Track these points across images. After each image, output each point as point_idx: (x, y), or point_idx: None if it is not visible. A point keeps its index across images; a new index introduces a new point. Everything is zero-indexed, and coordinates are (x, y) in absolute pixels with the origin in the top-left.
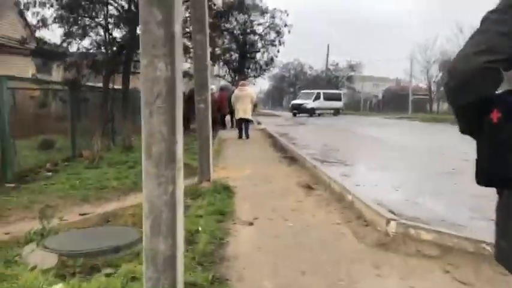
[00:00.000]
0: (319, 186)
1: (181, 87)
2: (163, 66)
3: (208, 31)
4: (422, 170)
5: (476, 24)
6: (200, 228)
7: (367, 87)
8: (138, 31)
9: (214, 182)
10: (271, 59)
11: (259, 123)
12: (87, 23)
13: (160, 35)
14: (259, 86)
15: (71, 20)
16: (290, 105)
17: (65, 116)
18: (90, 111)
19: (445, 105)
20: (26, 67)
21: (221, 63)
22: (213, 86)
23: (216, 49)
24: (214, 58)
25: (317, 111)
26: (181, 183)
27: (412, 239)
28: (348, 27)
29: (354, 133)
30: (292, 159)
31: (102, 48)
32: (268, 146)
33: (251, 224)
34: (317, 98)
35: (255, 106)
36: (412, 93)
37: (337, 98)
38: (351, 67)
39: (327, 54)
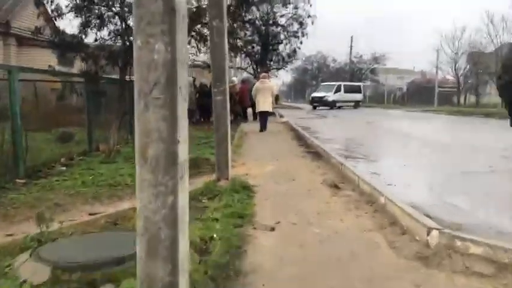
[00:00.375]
0: (347, 185)
1: (185, 74)
2: (162, 47)
3: (226, 18)
4: (457, 168)
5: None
6: (215, 235)
7: (391, 79)
8: None
9: (233, 179)
10: (294, 51)
11: (281, 116)
12: (103, 12)
13: (157, 8)
14: (281, 78)
15: (85, 9)
16: (310, 98)
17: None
18: (108, 103)
19: (472, 98)
20: (47, 58)
21: (243, 55)
22: (235, 78)
23: (238, 40)
24: (236, 50)
25: (338, 104)
26: (185, 193)
27: (459, 252)
28: (373, 19)
29: (379, 127)
30: (316, 154)
31: (119, 38)
32: (290, 139)
33: (272, 229)
34: (337, 90)
35: (276, 99)
36: (438, 85)
37: (357, 90)
38: (375, 59)
39: (351, 46)
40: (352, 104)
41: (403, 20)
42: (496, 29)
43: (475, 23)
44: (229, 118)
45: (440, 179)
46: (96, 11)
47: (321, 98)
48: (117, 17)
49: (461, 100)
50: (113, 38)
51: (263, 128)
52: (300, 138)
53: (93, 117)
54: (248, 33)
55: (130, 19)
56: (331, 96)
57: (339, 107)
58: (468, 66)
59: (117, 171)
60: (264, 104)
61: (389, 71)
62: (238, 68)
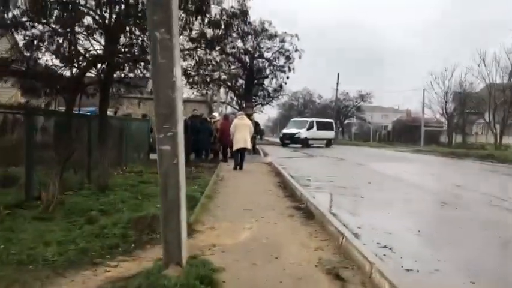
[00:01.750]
0: (353, 272)
1: None
2: None
3: (177, 28)
4: (494, 238)
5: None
6: None
7: (376, 117)
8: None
9: (189, 266)
10: (280, 86)
11: (265, 154)
12: (46, 30)
13: None
14: (267, 113)
15: (28, 25)
16: (281, 135)
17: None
18: (57, 140)
19: (458, 138)
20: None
21: (226, 89)
22: (216, 114)
23: (221, 73)
24: (218, 82)
25: (310, 142)
26: None
27: None
28: (359, 57)
29: (373, 170)
30: (307, 212)
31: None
32: (274, 186)
33: None
34: (310, 127)
35: (261, 134)
36: (423, 124)
37: (329, 127)
38: (361, 97)
39: (337, 83)
40: (325, 142)
41: (388, 59)
42: (488, 68)
43: (465, 62)
44: (181, 176)
45: (482, 259)
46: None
47: (293, 135)
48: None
49: (447, 139)
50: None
51: (239, 166)
52: (286, 186)
53: (34, 156)
54: (232, 66)
55: (79, 40)
56: (303, 133)
57: (310, 145)
58: (453, 106)
59: (43, 235)
60: (244, 141)
61: (374, 109)
62: (222, 102)
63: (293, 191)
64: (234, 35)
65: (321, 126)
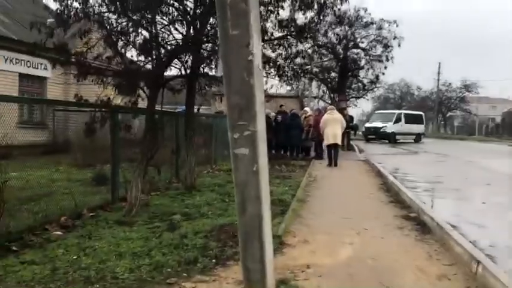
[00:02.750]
0: None
1: None
2: None
3: None
4: None
5: None
6: None
7: (483, 109)
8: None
9: None
10: (377, 77)
11: (361, 151)
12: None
13: None
14: (361, 107)
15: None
16: (363, 129)
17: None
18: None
19: None
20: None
21: (318, 82)
22: (308, 108)
23: (313, 66)
24: (309, 76)
25: (397, 137)
26: None
27: None
28: (460, 46)
29: (487, 168)
30: (419, 223)
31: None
32: (375, 189)
33: None
34: (398, 120)
35: (354, 129)
36: None
37: (419, 120)
38: (466, 87)
39: (438, 73)
40: (413, 137)
41: (493, 46)
42: None
43: None
44: (263, 186)
45: None
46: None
47: (378, 129)
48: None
49: None
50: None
51: (334, 163)
52: (389, 189)
53: (121, 154)
54: (325, 58)
55: (159, 26)
56: (390, 127)
57: (397, 141)
58: None
59: (119, 245)
60: (334, 136)
61: (480, 100)
62: (313, 97)
63: (398, 195)
64: (328, 18)
65: (410, 119)
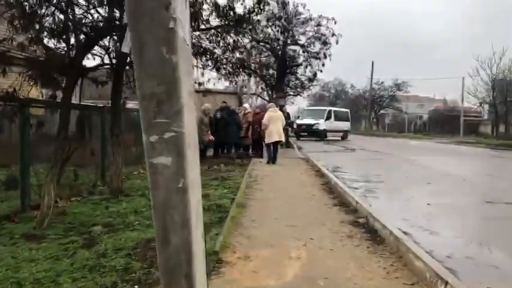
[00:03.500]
0: None
1: None
2: None
3: None
4: None
5: None
6: None
7: (411, 107)
8: None
9: None
10: (315, 75)
11: (299, 148)
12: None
13: None
14: (298, 105)
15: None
16: (295, 126)
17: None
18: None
19: (501, 128)
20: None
21: (257, 79)
22: (247, 105)
23: (251, 62)
24: (248, 71)
25: (328, 134)
26: None
27: None
28: (391, 46)
29: (424, 166)
30: (369, 229)
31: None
32: (318, 189)
33: None
34: (328, 117)
35: (290, 126)
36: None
37: (346, 117)
38: (397, 86)
39: (371, 72)
40: (341, 134)
41: (424, 47)
42: None
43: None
44: (192, 208)
45: None
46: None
47: (310, 126)
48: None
49: (485, 130)
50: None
51: (272, 160)
52: (332, 189)
53: (39, 154)
54: (263, 54)
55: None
56: (322, 124)
57: (326, 138)
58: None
59: (19, 269)
60: (279, 134)
61: (409, 99)
62: (252, 94)
63: (343, 196)
64: (268, 8)
65: (338, 117)
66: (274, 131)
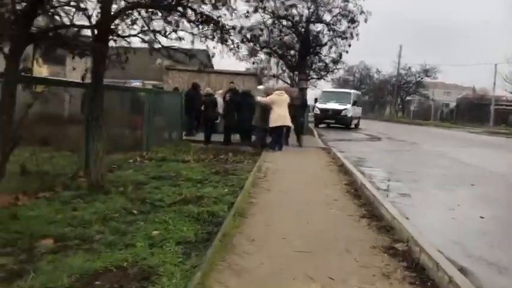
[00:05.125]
0: None
1: None
2: None
3: None
4: None
5: None
6: None
7: (438, 94)
8: None
9: None
10: (340, 55)
11: (320, 135)
12: None
13: None
14: (320, 89)
15: None
16: (316, 111)
17: None
18: None
19: None
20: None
21: (277, 59)
22: (262, 87)
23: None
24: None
25: (353, 122)
26: None
27: None
28: (420, 30)
29: (462, 162)
30: (412, 262)
31: None
32: (340, 192)
33: None
34: (355, 102)
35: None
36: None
37: (360, 102)
38: (425, 71)
39: (399, 56)
40: (355, 121)
41: (457, 32)
42: None
43: None
44: None
45: None
46: None
47: (338, 112)
48: None
49: None
50: None
51: (280, 146)
52: (357, 191)
53: None
54: (284, 33)
55: None
56: (349, 111)
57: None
58: None
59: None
60: (282, 118)
61: (436, 86)
62: (272, 75)
63: (373, 203)
64: None
65: (357, 101)
66: (280, 115)
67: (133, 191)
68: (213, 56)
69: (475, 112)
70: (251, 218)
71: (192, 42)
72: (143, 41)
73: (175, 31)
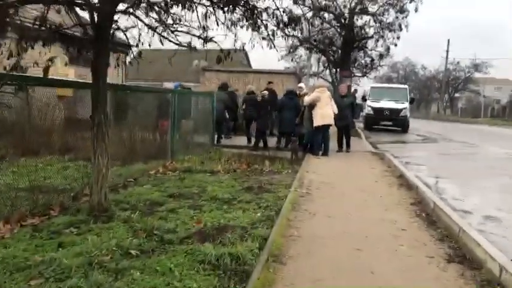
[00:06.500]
0: None
1: None
2: None
3: None
4: None
5: None
6: None
7: (488, 90)
8: None
9: None
10: (388, 49)
11: (367, 138)
12: None
13: None
14: (363, 88)
15: None
16: (368, 110)
17: None
18: None
19: None
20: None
21: (319, 55)
22: (303, 84)
23: (312, 34)
24: (308, 45)
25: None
26: None
27: None
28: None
29: None
30: None
31: None
32: (406, 216)
33: None
34: (412, 99)
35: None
36: None
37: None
38: (475, 66)
39: (447, 51)
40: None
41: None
42: None
43: None
44: None
45: None
46: None
47: (396, 112)
48: None
49: None
50: None
51: (325, 150)
52: (430, 216)
53: None
54: (326, 25)
55: None
56: (408, 110)
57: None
58: None
59: None
60: (329, 116)
61: (486, 81)
62: (312, 74)
63: (455, 234)
64: None
65: (414, 99)
66: (326, 113)
67: (141, 216)
68: (243, 49)
69: None
70: (291, 265)
71: (225, 36)
72: (156, 32)
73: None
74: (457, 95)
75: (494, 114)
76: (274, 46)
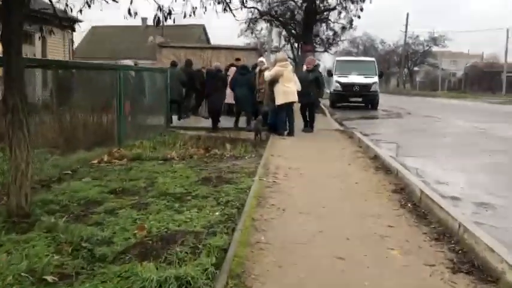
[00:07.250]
0: None
1: None
2: None
3: None
4: None
5: None
6: None
7: (444, 63)
8: None
9: None
10: (351, 22)
11: (332, 114)
12: None
13: None
14: (323, 63)
15: None
16: (336, 87)
17: None
18: None
19: None
20: None
21: (280, 29)
22: (263, 59)
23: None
24: (269, 18)
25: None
26: None
27: None
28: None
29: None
30: None
31: None
32: (390, 206)
33: None
34: (381, 73)
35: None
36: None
37: None
38: (433, 40)
39: (406, 25)
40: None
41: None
42: None
43: None
44: None
45: None
46: None
47: (365, 87)
48: None
49: None
50: None
51: (290, 130)
52: (417, 207)
53: None
54: None
55: None
56: (377, 85)
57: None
58: None
59: None
60: (292, 93)
61: (442, 55)
62: (273, 50)
63: (459, 235)
64: None
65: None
66: (289, 89)
67: (70, 222)
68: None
69: (484, 81)
70: None
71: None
72: None
73: None
74: (416, 68)
75: (451, 87)
76: (231, 10)
